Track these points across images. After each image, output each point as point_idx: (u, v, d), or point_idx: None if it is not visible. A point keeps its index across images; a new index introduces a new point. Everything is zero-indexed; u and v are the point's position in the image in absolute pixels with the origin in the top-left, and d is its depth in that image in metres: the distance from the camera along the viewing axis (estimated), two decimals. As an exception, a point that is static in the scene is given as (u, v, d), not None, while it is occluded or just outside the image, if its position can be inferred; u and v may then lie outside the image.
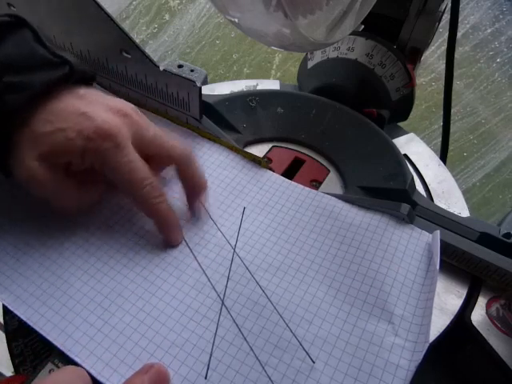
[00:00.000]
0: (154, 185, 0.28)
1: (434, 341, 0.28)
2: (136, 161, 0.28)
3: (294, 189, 0.34)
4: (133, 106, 0.30)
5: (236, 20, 0.33)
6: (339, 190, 0.38)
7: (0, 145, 0.27)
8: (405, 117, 0.48)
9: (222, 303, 0.27)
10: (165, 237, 0.30)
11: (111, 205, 0.32)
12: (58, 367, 0.24)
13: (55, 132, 0.27)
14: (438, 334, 0.28)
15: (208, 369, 0.24)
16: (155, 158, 0.30)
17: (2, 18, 0.27)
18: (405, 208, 0.31)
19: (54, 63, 0.27)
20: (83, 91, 0.29)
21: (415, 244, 0.30)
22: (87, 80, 0.30)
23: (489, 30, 1.37)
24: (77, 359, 0.24)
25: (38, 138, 0.27)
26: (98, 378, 0.23)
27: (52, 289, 0.27)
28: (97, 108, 0.28)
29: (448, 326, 0.29)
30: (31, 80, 0.26)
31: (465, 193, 0.41)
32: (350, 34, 0.42)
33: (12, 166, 0.27)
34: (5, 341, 0.28)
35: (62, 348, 0.24)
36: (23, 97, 0.26)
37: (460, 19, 0.46)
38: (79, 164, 0.28)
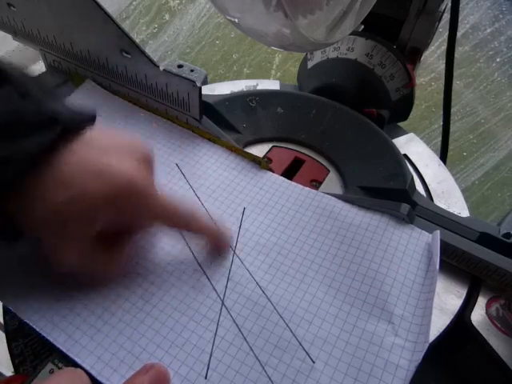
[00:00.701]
0: (194, 207, 0.28)
1: (433, 341, 0.28)
2: (171, 196, 0.26)
3: (294, 189, 0.34)
4: (141, 143, 0.27)
5: (236, 20, 0.33)
6: (339, 190, 0.38)
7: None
8: (405, 117, 0.48)
9: (222, 303, 0.27)
10: (219, 248, 0.29)
11: None
12: (59, 367, 0.24)
13: (78, 199, 0.23)
14: (438, 333, 0.28)
15: (208, 369, 0.24)
16: None
17: None
18: (405, 208, 0.31)
19: (44, 124, 0.23)
20: (88, 134, 0.25)
21: (415, 244, 0.30)
22: (90, 121, 0.26)
23: (488, 30, 1.37)
24: (77, 359, 0.24)
25: (58, 209, 0.23)
26: (98, 377, 0.23)
27: (52, 289, 0.27)
28: (112, 156, 0.24)
29: (448, 325, 0.29)
30: (20, 149, 0.22)
31: (464, 191, 0.41)
32: (350, 34, 0.42)
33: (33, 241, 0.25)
34: (5, 341, 0.28)
35: (62, 348, 0.24)
36: (13, 170, 0.21)
37: (460, 19, 0.46)
38: (108, 227, 0.25)
